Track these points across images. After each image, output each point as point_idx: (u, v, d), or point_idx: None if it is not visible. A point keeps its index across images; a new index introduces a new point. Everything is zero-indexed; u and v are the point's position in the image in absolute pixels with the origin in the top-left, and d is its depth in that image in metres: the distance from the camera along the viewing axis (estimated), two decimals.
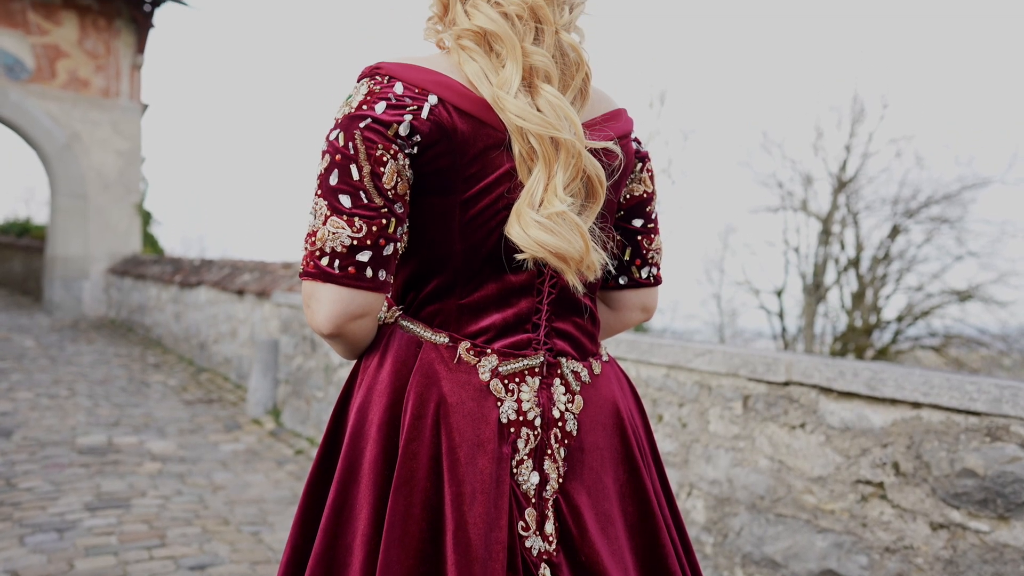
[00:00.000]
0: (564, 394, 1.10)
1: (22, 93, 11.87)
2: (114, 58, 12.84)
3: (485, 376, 1.04)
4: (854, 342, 15.60)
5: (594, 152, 1.06)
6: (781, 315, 17.17)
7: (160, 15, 13.30)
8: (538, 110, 0.98)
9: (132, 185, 13.06)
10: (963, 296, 15.03)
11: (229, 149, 47.61)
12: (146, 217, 13.49)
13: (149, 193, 13.61)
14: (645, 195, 1.23)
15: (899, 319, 15.61)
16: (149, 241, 13.54)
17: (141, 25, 13.05)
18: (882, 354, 15.21)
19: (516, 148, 0.99)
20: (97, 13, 12.64)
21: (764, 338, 17.85)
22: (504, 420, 1.04)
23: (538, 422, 1.06)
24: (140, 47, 13.09)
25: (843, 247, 16.53)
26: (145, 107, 13.21)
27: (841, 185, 16.54)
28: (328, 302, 0.99)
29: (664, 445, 2.87)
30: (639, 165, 1.21)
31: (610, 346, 3.00)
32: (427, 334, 1.07)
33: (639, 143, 1.22)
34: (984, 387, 1.97)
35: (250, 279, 7.24)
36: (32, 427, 5.02)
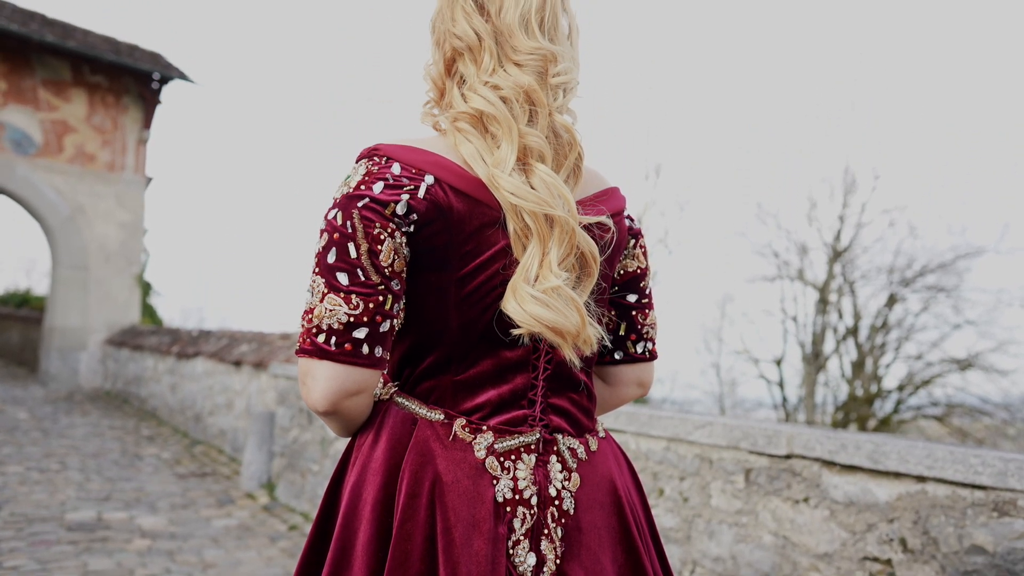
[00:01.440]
0: (560, 471, 1.08)
1: (29, 167, 12.08)
2: (121, 133, 13.13)
3: (481, 454, 1.03)
4: (856, 412, 15.44)
5: (588, 229, 1.07)
6: (781, 384, 17.05)
7: (167, 91, 13.61)
8: (532, 188, 1.00)
9: (133, 257, 13.16)
10: (963, 365, 14.95)
11: (230, 221, 48.20)
12: (146, 288, 13.53)
13: (150, 264, 13.71)
14: (639, 271, 1.24)
15: (900, 388, 15.49)
16: (148, 312, 13.54)
17: (148, 101, 13.40)
18: (885, 424, 15.02)
19: (511, 225, 1.01)
20: (106, 90, 12.99)
21: (765, 407, 17.67)
22: (500, 499, 1.02)
23: (534, 501, 1.04)
24: (147, 122, 13.40)
25: (841, 316, 16.56)
26: (149, 180, 13.44)
27: (836, 254, 16.68)
28: (324, 379, 0.99)
29: (666, 520, 2.80)
30: (632, 241, 1.23)
31: (609, 419, 2.97)
32: (422, 411, 1.06)
33: (632, 220, 1.24)
34: (989, 460, 1.94)
35: (248, 350, 7.21)
36: (20, 502, 4.91)
